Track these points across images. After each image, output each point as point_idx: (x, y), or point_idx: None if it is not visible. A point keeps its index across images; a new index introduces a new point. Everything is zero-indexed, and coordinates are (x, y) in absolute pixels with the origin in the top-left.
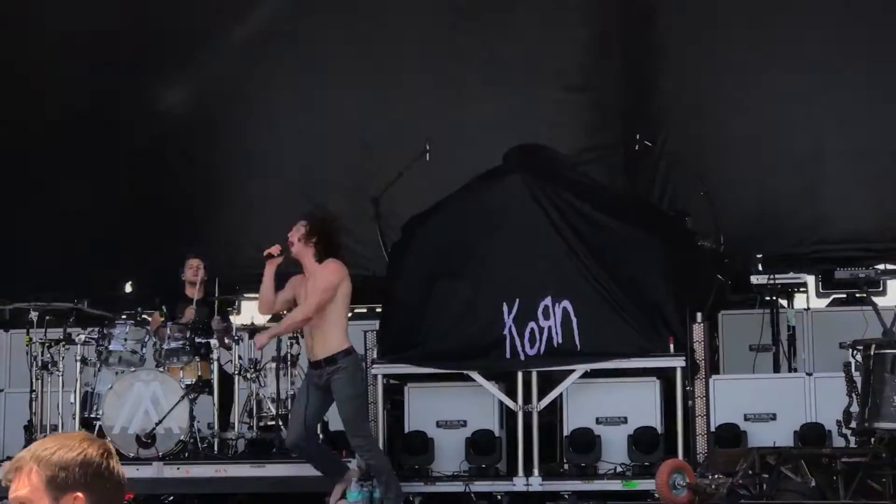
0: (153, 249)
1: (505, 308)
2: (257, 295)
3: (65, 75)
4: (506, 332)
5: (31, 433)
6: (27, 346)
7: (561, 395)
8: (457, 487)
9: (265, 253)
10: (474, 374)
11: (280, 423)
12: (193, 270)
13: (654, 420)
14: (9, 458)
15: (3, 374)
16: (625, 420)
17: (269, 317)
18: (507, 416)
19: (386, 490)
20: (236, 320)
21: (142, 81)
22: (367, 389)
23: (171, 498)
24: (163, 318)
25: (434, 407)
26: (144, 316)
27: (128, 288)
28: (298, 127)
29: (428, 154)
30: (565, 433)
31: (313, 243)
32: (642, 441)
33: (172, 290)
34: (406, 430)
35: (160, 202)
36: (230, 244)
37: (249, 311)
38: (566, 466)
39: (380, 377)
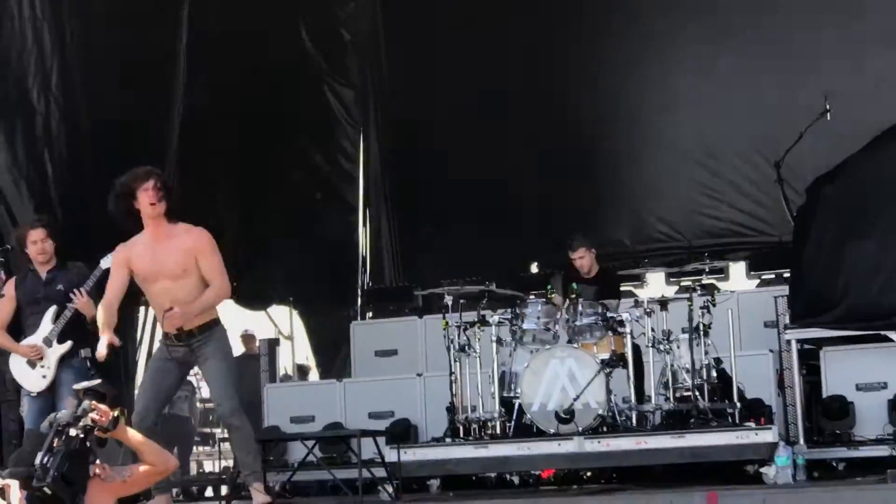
0: (552, 229)
1: None
2: (663, 269)
3: None
4: None
5: (453, 414)
6: (444, 329)
7: None
8: (881, 452)
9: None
10: (893, 335)
11: (696, 393)
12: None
13: None
14: (434, 440)
15: (421, 359)
16: None
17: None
18: None
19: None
20: (644, 293)
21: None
22: None
23: (589, 474)
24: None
25: (852, 370)
26: (552, 295)
27: (534, 269)
28: (693, 94)
29: (829, 113)
30: None
31: (167, 201)
32: None
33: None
34: (824, 395)
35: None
36: (633, 217)
37: (657, 284)
38: None
39: (793, 342)
